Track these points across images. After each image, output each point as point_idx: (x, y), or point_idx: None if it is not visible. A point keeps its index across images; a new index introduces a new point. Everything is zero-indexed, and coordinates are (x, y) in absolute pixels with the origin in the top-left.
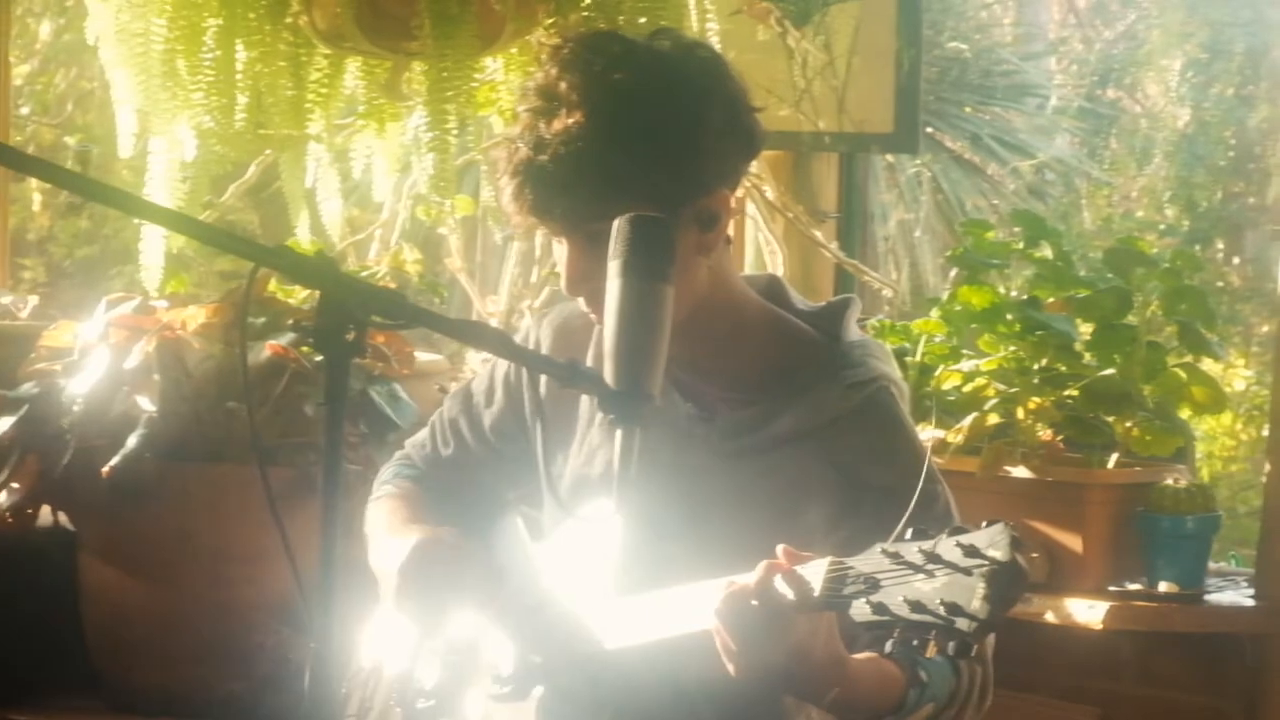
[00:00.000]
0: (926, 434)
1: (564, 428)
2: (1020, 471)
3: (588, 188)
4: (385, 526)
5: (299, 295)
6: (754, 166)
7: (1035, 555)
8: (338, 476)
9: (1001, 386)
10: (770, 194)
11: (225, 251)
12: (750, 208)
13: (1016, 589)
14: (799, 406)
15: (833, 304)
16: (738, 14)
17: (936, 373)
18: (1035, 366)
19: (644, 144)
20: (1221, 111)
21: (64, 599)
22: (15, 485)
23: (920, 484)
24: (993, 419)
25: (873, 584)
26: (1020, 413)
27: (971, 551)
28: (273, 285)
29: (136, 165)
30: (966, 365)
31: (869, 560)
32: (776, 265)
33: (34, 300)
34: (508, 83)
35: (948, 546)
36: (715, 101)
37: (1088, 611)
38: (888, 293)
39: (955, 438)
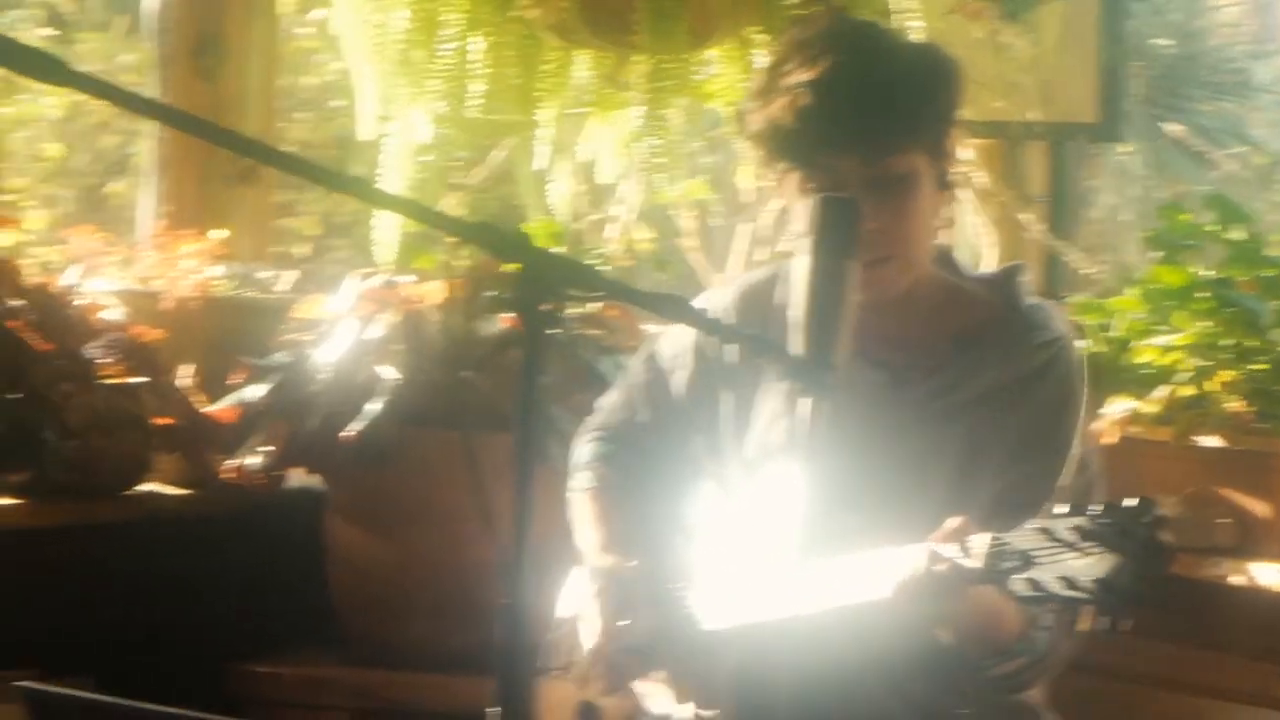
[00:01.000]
0: (1122, 405)
1: (749, 395)
2: (1211, 441)
3: (877, 112)
4: (585, 542)
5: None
6: (968, 154)
7: (1227, 521)
8: (533, 443)
9: (1195, 360)
10: (981, 180)
11: (435, 229)
12: (963, 194)
13: (1161, 565)
14: (990, 367)
15: (1005, 270)
16: (952, 14)
17: (1133, 347)
18: (1226, 342)
19: (920, 78)
20: None
21: (311, 556)
22: (267, 448)
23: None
24: (1186, 391)
25: (1028, 560)
26: (1212, 385)
27: (1119, 528)
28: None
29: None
30: (1161, 340)
31: (1024, 536)
32: (988, 248)
33: (291, 275)
34: (726, 75)
35: (1096, 523)
36: (958, 80)
37: (1277, 575)
38: (1095, 272)
39: (1150, 408)
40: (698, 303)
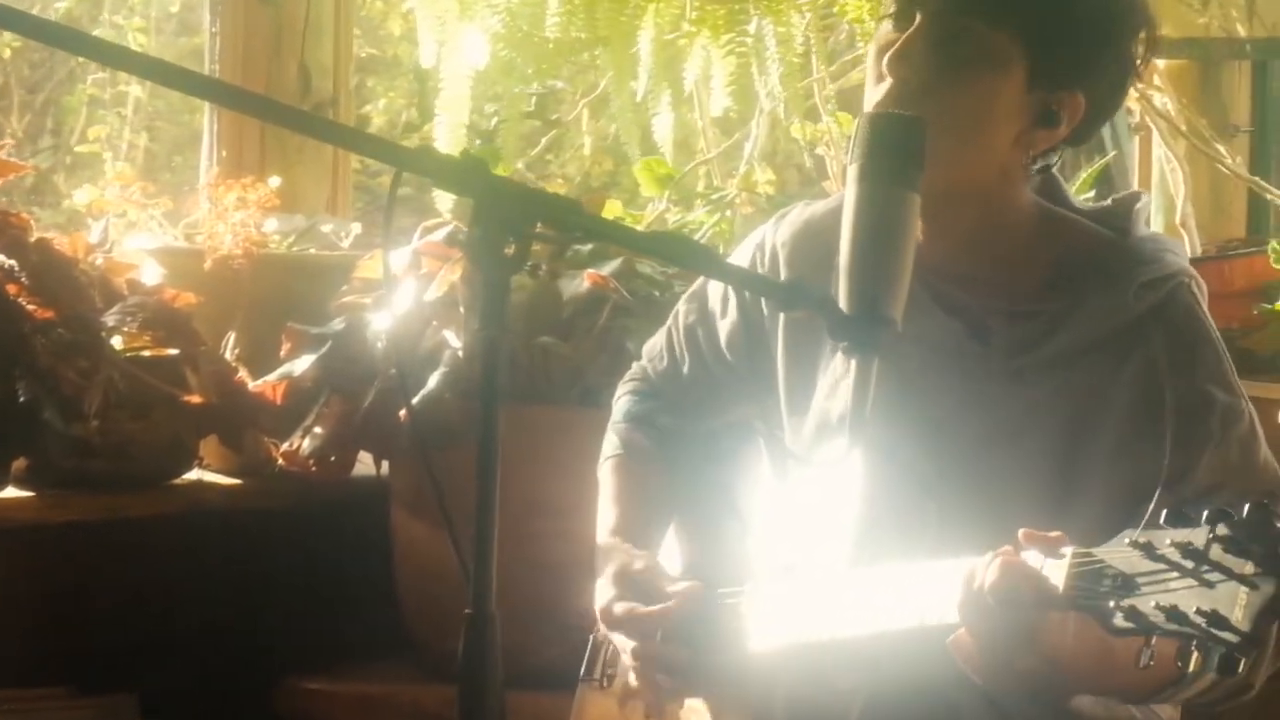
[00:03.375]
0: None
1: (809, 354)
2: None
3: None
4: (601, 522)
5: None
6: (1156, 79)
7: None
8: (494, 423)
9: None
10: (1172, 108)
11: (362, 155)
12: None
13: None
14: (1087, 312)
15: (1119, 199)
16: None
17: None
18: None
19: None
20: None
21: (382, 556)
22: (319, 430)
23: (1224, 401)
24: None
25: (1122, 583)
26: None
27: (1234, 547)
28: (608, 206)
29: None
30: None
31: (1117, 552)
32: (1178, 185)
33: (357, 228)
34: None
35: (1207, 539)
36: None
37: None
38: None
39: None
40: (749, 241)
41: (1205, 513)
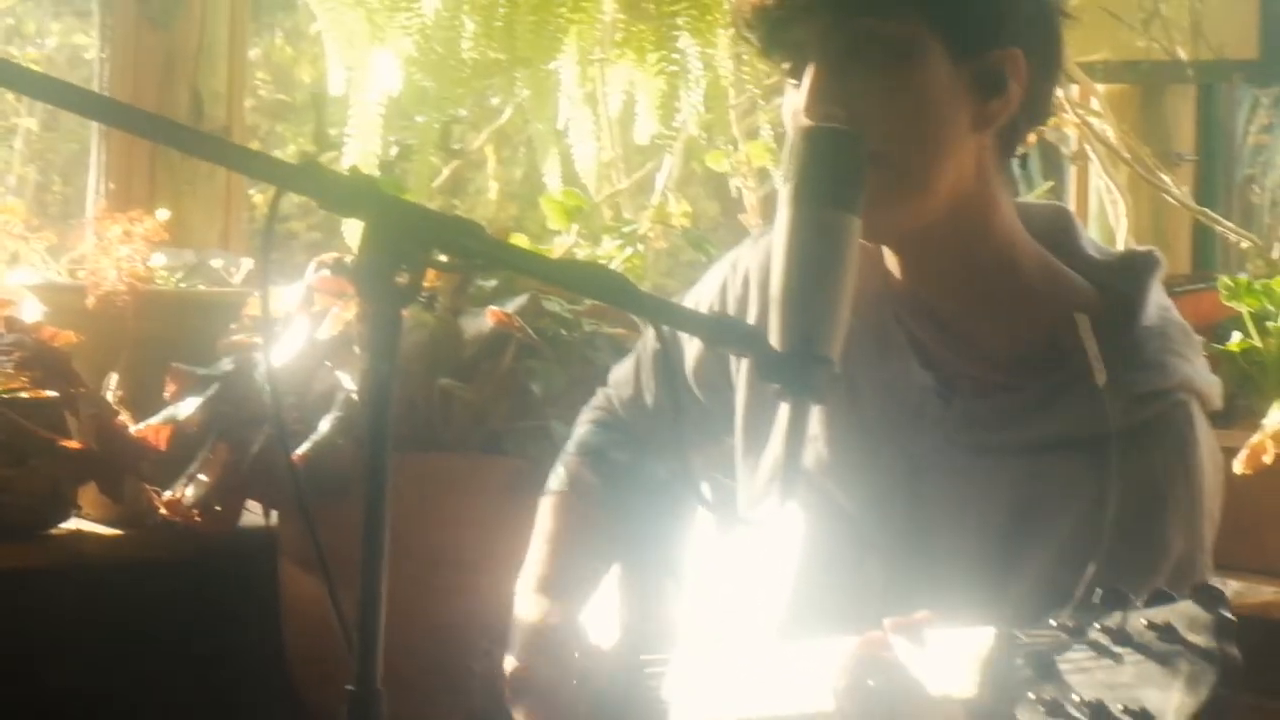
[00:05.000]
0: None
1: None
2: None
3: None
4: (529, 568)
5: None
6: (1095, 103)
7: None
8: (383, 473)
9: None
10: (1112, 134)
11: (241, 172)
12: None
13: (1225, 687)
14: (1067, 406)
15: (1134, 259)
16: None
17: None
18: None
19: None
20: None
21: (269, 610)
22: (204, 478)
23: (1180, 551)
24: None
25: (1043, 670)
26: None
27: (1167, 633)
28: (514, 239)
29: None
30: None
31: (1041, 635)
32: (1119, 217)
33: (249, 263)
34: None
35: (1138, 624)
36: None
37: None
38: (1254, 247)
39: None
40: (722, 264)
41: (1143, 595)
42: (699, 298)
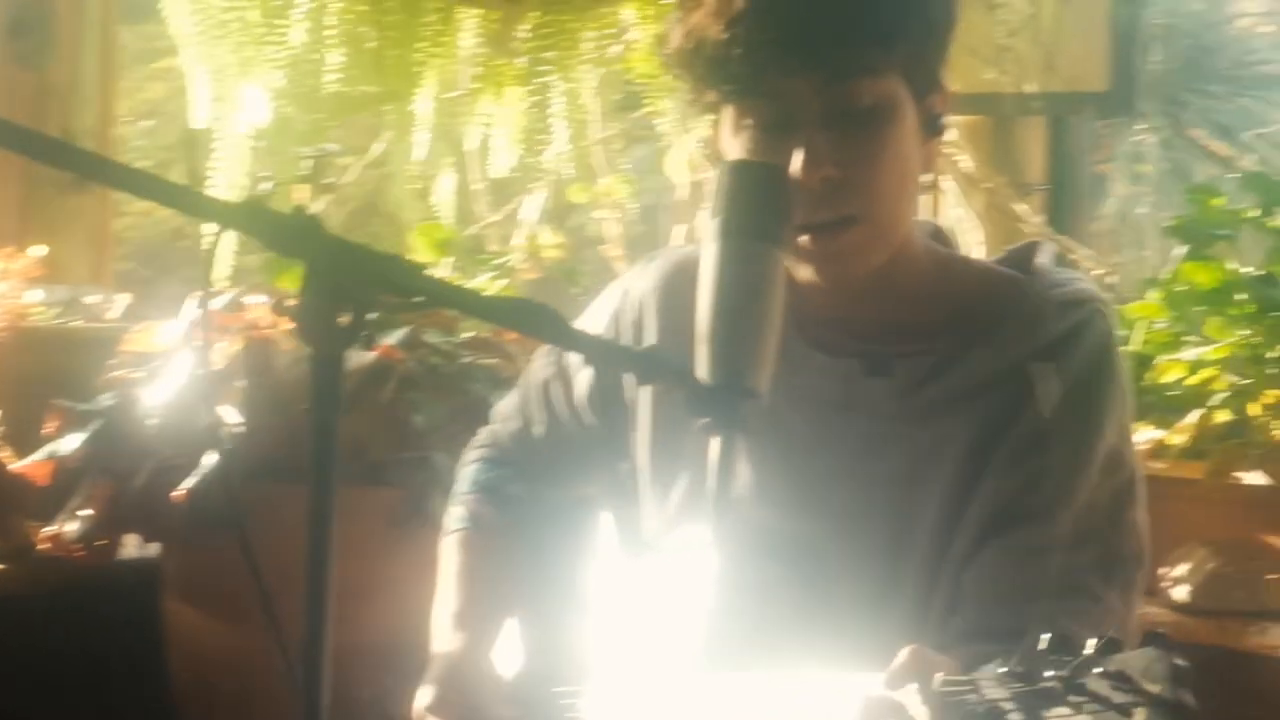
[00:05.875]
0: (1144, 435)
1: (683, 416)
2: (1254, 478)
3: (838, 12)
4: (440, 605)
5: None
6: (949, 134)
7: (1276, 577)
8: (328, 507)
9: (1233, 378)
10: (967, 165)
11: (185, 213)
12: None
13: None
14: (1002, 335)
15: (1014, 248)
16: None
17: (1156, 364)
18: (1271, 354)
19: None
20: None
21: (151, 645)
22: (86, 512)
23: (1110, 445)
24: (1222, 416)
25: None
26: (1254, 408)
27: (1122, 682)
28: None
29: None
30: (1191, 354)
31: (990, 682)
32: (975, 244)
33: (125, 299)
34: (644, 40)
35: (1091, 673)
36: None
37: None
38: (1111, 277)
39: (1178, 438)
40: (612, 291)
41: (1092, 642)
42: (590, 326)
